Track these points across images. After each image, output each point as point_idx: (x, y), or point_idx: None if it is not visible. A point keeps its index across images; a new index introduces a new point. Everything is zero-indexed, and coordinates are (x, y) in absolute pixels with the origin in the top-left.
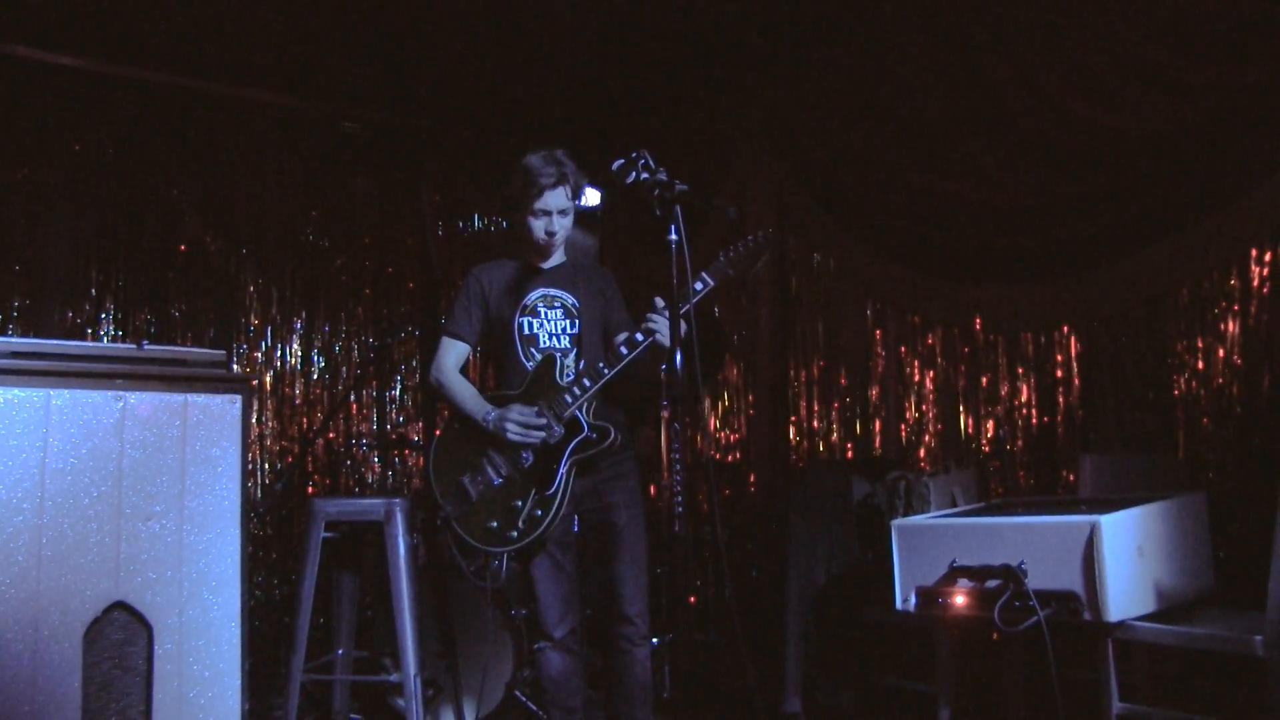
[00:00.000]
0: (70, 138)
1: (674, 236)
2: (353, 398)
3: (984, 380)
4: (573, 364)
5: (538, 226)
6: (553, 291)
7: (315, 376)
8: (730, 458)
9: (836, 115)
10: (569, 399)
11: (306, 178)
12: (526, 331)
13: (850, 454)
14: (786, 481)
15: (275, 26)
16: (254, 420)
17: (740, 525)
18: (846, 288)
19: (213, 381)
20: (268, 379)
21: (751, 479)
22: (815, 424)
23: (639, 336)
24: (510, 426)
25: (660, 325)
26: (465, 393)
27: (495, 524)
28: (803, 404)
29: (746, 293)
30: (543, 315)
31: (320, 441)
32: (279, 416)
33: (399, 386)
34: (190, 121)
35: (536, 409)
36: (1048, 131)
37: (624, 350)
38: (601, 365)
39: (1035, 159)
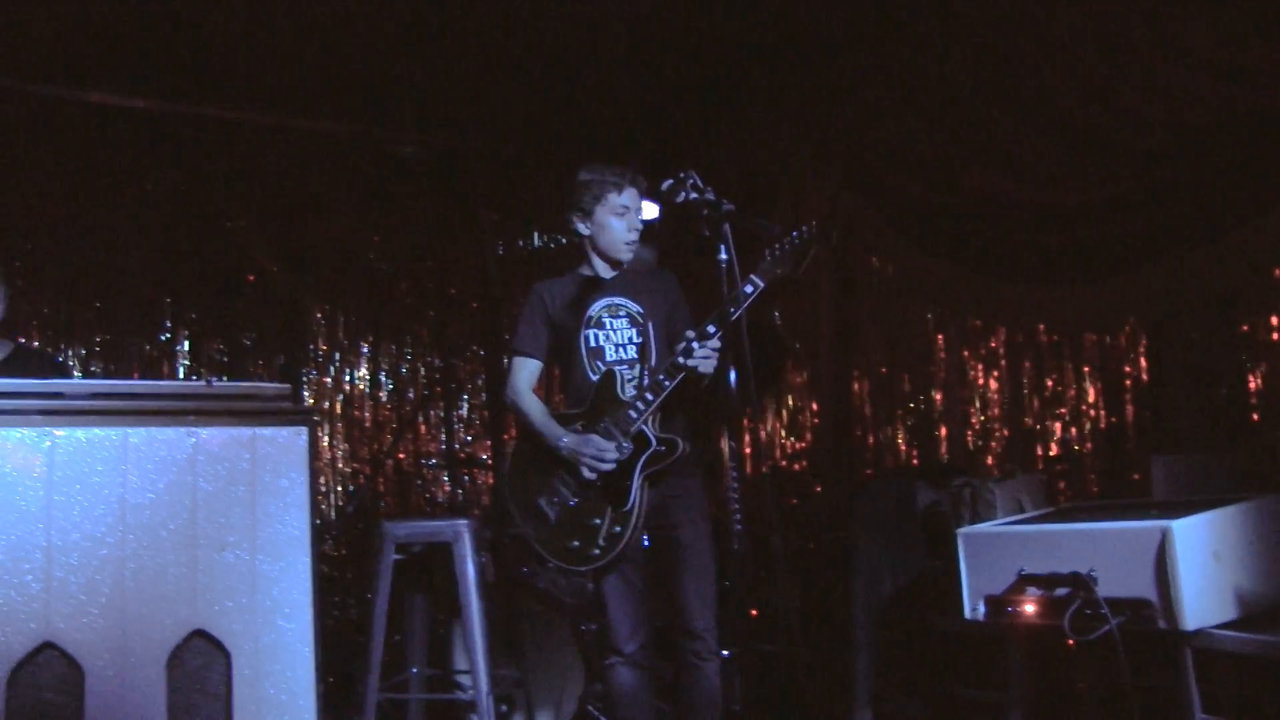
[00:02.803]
0: (141, 176)
1: (724, 256)
2: (420, 418)
3: (1049, 382)
4: (636, 376)
5: (620, 227)
6: (617, 300)
7: (383, 399)
8: (796, 466)
9: (888, 119)
10: (633, 414)
11: (367, 203)
12: (592, 344)
13: (916, 461)
14: (851, 490)
15: (329, 57)
16: (325, 443)
17: (807, 534)
18: (906, 292)
19: (279, 414)
20: (337, 402)
21: (818, 487)
22: (880, 431)
23: (681, 360)
24: (586, 461)
25: (701, 354)
26: (537, 416)
27: (577, 543)
28: (867, 411)
29: (807, 299)
30: (608, 326)
31: (390, 462)
32: (349, 439)
33: (466, 406)
34: (252, 154)
35: (602, 426)
36: (1102, 126)
37: (680, 359)
38: (662, 378)
39: (1092, 155)
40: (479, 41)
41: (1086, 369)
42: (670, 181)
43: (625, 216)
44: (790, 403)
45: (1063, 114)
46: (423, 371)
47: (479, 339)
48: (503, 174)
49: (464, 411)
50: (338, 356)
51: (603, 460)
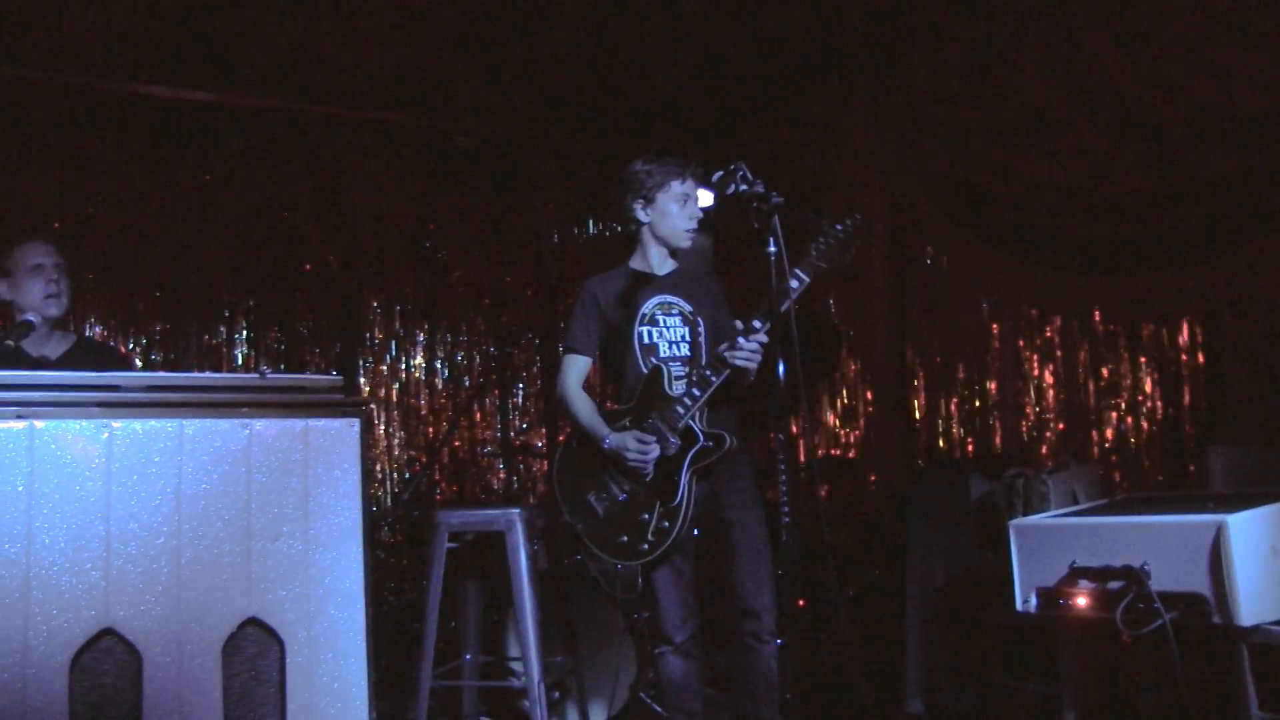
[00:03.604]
0: (200, 168)
1: (772, 248)
2: (475, 406)
3: (1105, 372)
4: (687, 373)
5: (682, 215)
6: (669, 298)
7: (439, 387)
8: (850, 455)
9: (944, 107)
10: (680, 410)
11: (422, 193)
12: (646, 341)
13: (971, 450)
14: (905, 480)
15: (384, 48)
16: (381, 431)
17: (860, 524)
18: (961, 281)
19: (332, 406)
20: (393, 390)
21: (871, 477)
22: (934, 421)
23: (727, 355)
24: (630, 456)
25: (743, 354)
26: (585, 412)
27: (626, 538)
28: (921, 400)
29: (861, 288)
30: (661, 323)
31: (445, 450)
32: (405, 426)
33: (521, 393)
34: (309, 145)
35: (649, 422)
36: (1161, 112)
37: (726, 355)
38: (709, 373)
39: (1150, 142)
40: (533, 31)
41: (1143, 359)
42: (720, 173)
43: (686, 204)
44: (844, 392)
45: (1124, 100)
46: (478, 359)
47: (534, 327)
48: (557, 162)
49: (519, 399)
50: (394, 345)
51: (645, 457)
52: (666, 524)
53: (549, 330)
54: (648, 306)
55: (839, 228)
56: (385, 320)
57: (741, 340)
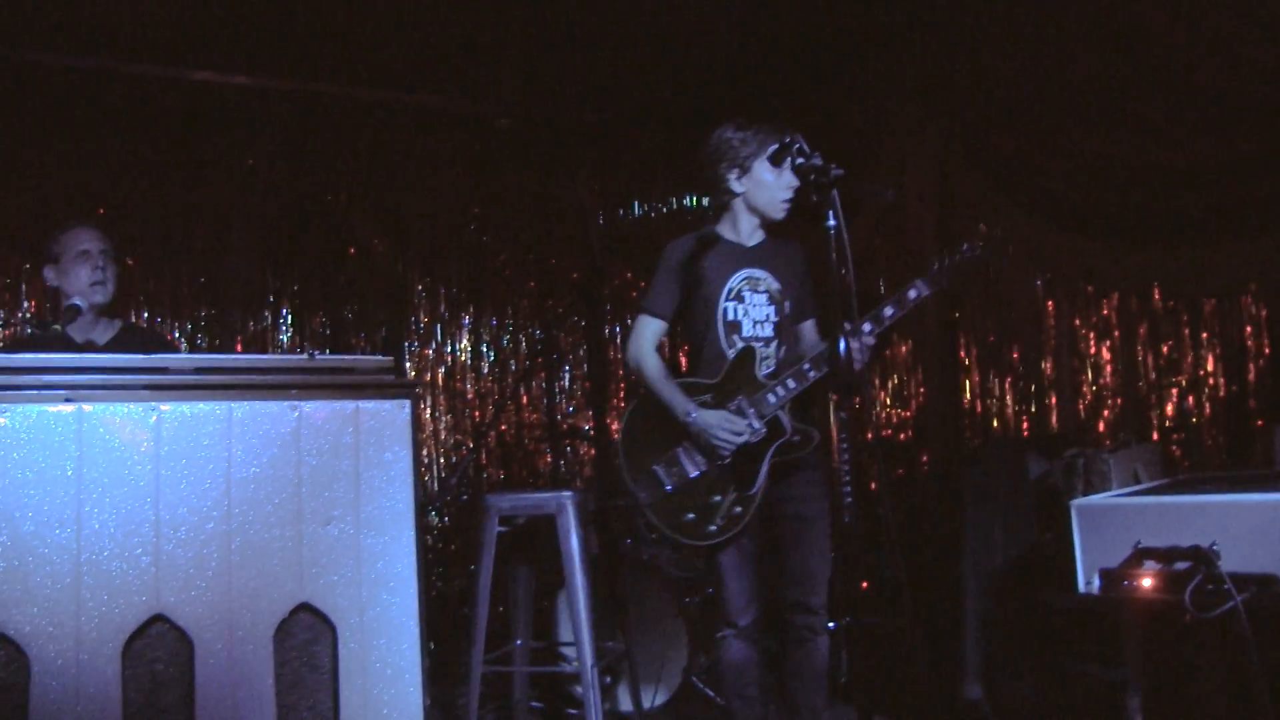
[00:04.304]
0: (245, 152)
1: (832, 222)
2: (522, 390)
3: (1164, 349)
4: (773, 355)
5: (779, 184)
6: (757, 273)
7: (485, 370)
8: (902, 436)
9: (999, 81)
10: (772, 399)
11: (467, 176)
12: (730, 317)
13: (1025, 431)
14: (960, 461)
15: (426, 31)
16: (427, 415)
17: (914, 506)
18: (1014, 258)
19: (382, 388)
20: (439, 374)
21: (924, 458)
22: (987, 401)
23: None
24: (720, 437)
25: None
26: (662, 380)
27: (692, 517)
28: (975, 380)
29: (911, 265)
30: (748, 300)
31: (492, 434)
32: (451, 410)
33: (567, 376)
34: (353, 128)
35: (735, 405)
36: (1223, 82)
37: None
38: (808, 368)
39: (1212, 113)
40: (575, 11)
41: (1205, 335)
42: (775, 146)
43: (786, 175)
44: (895, 373)
45: (1184, 69)
46: (524, 343)
47: (580, 309)
48: (602, 144)
49: (565, 383)
50: (439, 329)
51: (735, 440)
52: (739, 510)
53: (595, 313)
54: (734, 280)
55: (965, 248)
56: (430, 304)
57: (846, 341)
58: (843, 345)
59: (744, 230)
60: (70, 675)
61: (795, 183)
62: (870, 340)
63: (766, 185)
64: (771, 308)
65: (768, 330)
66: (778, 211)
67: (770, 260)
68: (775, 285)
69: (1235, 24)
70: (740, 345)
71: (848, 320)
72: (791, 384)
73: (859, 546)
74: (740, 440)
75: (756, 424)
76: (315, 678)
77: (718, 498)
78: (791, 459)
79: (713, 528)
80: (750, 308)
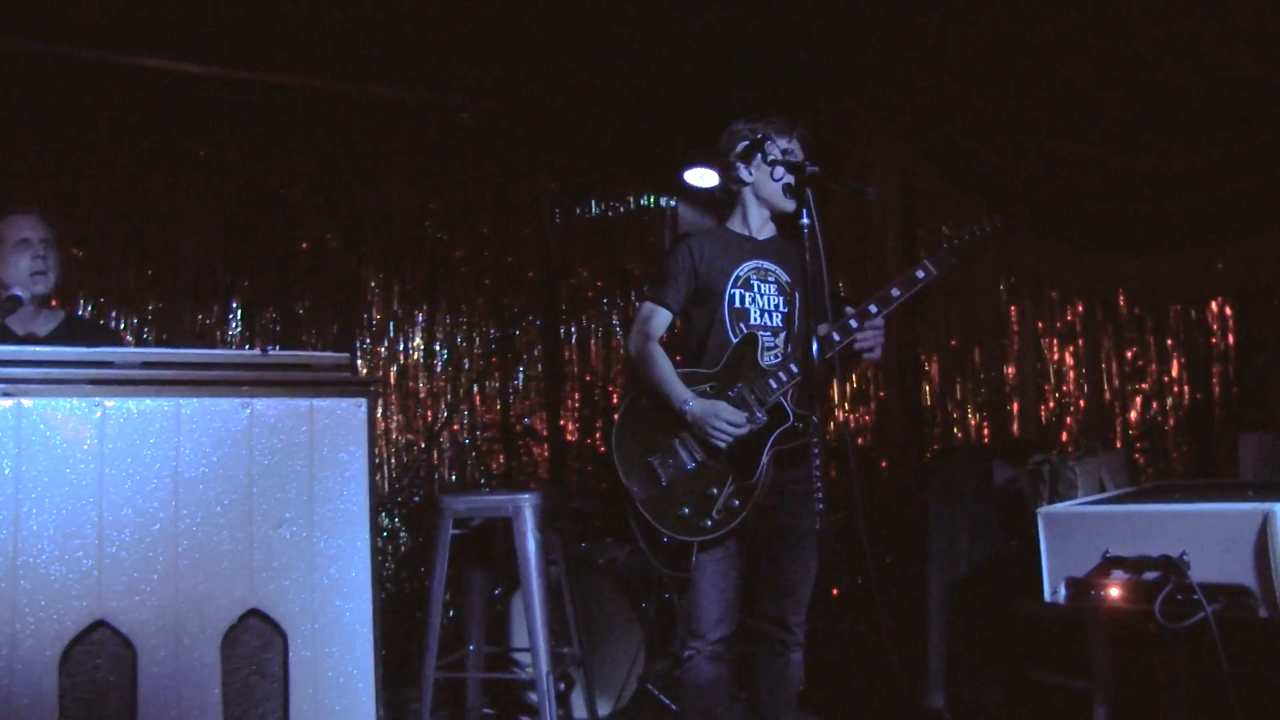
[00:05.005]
0: (196, 143)
1: (806, 220)
2: (476, 389)
3: (1129, 356)
4: (780, 346)
5: (776, 176)
6: (766, 264)
7: (439, 369)
8: (860, 440)
9: (965, 85)
10: (774, 385)
11: (424, 171)
12: (737, 305)
13: (987, 437)
14: (923, 466)
15: (387, 22)
16: (379, 414)
17: (873, 511)
18: (978, 261)
19: (338, 385)
20: (392, 373)
21: (883, 464)
22: (948, 405)
23: (837, 337)
24: (719, 427)
25: (869, 339)
26: (667, 372)
27: (688, 511)
28: (935, 385)
29: (872, 268)
30: (756, 289)
31: (445, 434)
32: (404, 410)
33: (522, 377)
34: (307, 120)
35: (735, 392)
36: (1192, 85)
37: (837, 337)
38: (815, 352)
39: (1181, 119)
40: (536, 6)
41: (1170, 342)
42: (746, 143)
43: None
44: (853, 376)
45: (1150, 72)
46: (479, 341)
47: (536, 308)
48: (562, 142)
49: (520, 383)
50: (392, 326)
51: (735, 430)
52: (737, 503)
53: (552, 312)
54: (744, 269)
55: (975, 227)
56: (384, 301)
57: (854, 324)
58: (815, 347)
59: (754, 223)
60: (3, 685)
61: (786, 176)
62: (880, 322)
63: (772, 176)
64: (781, 298)
65: (776, 320)
66: (787, 203)
67: (781, 254)
68: (785, 277)
69: (1206, 30)
70: (745, 333)
71: (820, 321)
72: (794, 369)
73: (830, 554)
74: (739, 433)
75: (759, 413)
76: (265, 686)
77: (715, 490)
78: (792, 447)
79: (708, 522)
80: (759, 296)
